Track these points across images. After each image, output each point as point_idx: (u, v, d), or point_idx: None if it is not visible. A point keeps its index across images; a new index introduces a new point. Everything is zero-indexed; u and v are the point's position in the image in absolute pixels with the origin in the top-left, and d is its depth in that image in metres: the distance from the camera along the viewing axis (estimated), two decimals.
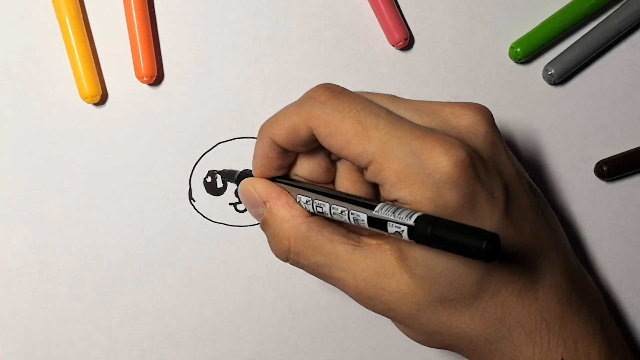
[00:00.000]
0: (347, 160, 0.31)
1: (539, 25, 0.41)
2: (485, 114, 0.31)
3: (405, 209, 0.28)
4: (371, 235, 0.32)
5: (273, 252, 0.33)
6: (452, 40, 0.41)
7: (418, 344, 0.33)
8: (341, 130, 0.29)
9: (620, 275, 0.42)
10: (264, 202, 0.33)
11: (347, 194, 0.31)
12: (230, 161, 0.40)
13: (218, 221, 0.41)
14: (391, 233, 0.28)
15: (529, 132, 0.41)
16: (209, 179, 0.41)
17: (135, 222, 0.40)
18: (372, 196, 0.33)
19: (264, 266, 0.41)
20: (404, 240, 0.27)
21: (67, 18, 0.38)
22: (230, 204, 0.41)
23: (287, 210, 0.32)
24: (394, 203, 0.29)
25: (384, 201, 0.29)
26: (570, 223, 0.42)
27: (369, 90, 0.41)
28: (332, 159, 0.34)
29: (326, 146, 0.30)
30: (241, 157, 0.40)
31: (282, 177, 0.34)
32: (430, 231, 0.26)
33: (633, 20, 0.41)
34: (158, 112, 0.40)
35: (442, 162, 0.28)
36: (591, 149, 0.42)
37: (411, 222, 0.27)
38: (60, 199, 0.40)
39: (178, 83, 0.40)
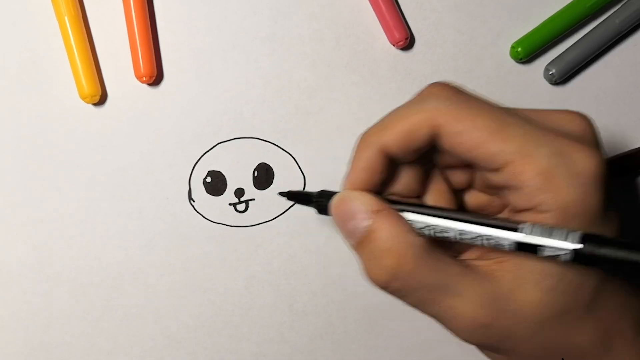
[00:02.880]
0: (474, 162, 0.28)
1: (540, 25, 0.41)
2: (591, 121, 0.30)
3: (557, 228, 0.26)
4: (472, 257, 0.30)
5: (370, 274, 0.29)
6: (453, 39, 0.41)
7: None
8: (475, 128, 0.27)
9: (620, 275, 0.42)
10: (375, 211, 0.28)
11: (471, 215, 0.28)
12: (230, 161, 0.40)
13: (218, 221, 0.41)
14: (545, 255, 0.26)
15: None
16: (208, 179, 0.40)
17: (135, 222, 0.40)
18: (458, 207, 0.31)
19: (264, 267, 0.41)
20: (529, 256, 0.26)
21: (66, 18, 0.38)
22: (229, 204, 0.41)
23: (399, 222, 0.28)
24: (522, 214, 0.27)
25: (512, 212, 0.28)
26: None
27: (369, 90, 0.41)
28: (424, 170, 0.31)
29: (451, 146, 0.28)
30: (241, 158, 0.40)
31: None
32: (601, 252, 0.25)
33: (634, 20, 0.40)
34: (157, 112, 0.40)
35: (590, 162, 0.26)
36: None
37: (575, 244, 0.25)
38: (59, 199, 0.40)
39: (178, 83, 0.40)
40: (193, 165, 0.40)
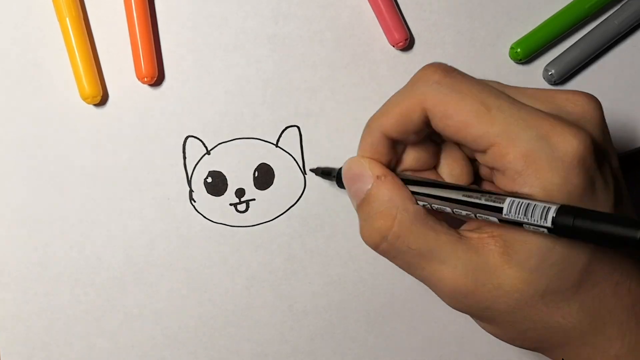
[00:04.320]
0: (462, 143, 0.29)
1: (539, 26, 0.41)
2: (597, 102, 0.30)
3: (538, 201, 0.26)
4: (470, 229, 0.31)
5: (365, 233, 0.31)
6: (453, 40, 0.41)
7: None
8: (461, 111, 0.28)
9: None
10: (377, 177, 0.31)
11: (462, 187, 0.30)
12: (231, 162, 0.40)
13: (218, 222, 0.41)
14: (526, 226, 0.27)
15: None
16: (209, 180, 0.41)
17: (136, 223, 0.40)
18: (473, 180, 0.33)
19: (264, 267, 0.41)
20: (517, 233, 0.27)
21: (67, 19, 0.38)
22: (230, 204, 0.41)
23: (398, 189, 0.30)
24: (517, 193, 0.27)
25: (504, 192, 0.28)
26: None
27: (369, 91, 0.41)
28: (437, 142, 0.33)
29: (440, 128, 0.29)
30: (241, 158, 0.40)
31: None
32: (575, 223, 0.25)
33: (633, 21, 0.41)
34: (158, 112, 0.40)
35: (572, 145, 0.27)
36: None
37: (551, 215, 0.25)
38: (60, 199, 0.40)
39: (178, 84, 0.40)
40: (194, 165, 0.40)
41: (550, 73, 0.41)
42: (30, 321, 0.40)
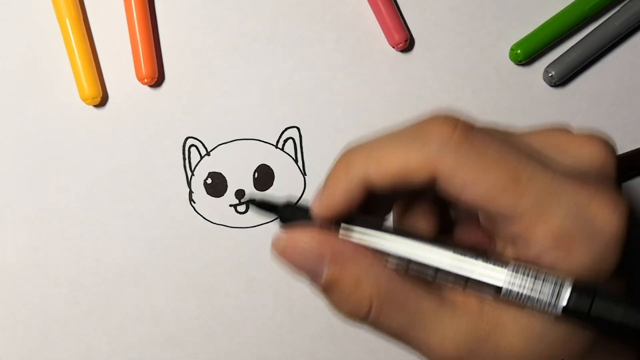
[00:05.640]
0: (478, 211, 0.25)
1: (539, 27, 0.41)
2: (610, 146, 0.26)
3: (547, 273, 0.23)
4: (455, 289, 0.26)
5: (342, 313, 0.27)
6: (453, 42, 0.41)
7: None
8: (485, 182, 0.23)
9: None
10: (330, 260, 0.26)
11: (455, 246, 0.25)
12: (230, 163, 0.40)
13: (218, 223, 0.41)
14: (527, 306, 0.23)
15: None
16: (209, 181, 0.41)
17: (135, 224, 0.40)
18: (438, 230, 0.28)
19: (264, 268, 0.41)
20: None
21: (67, 20, 0.38)
22: (230, 205, 0.41)
23: (362, 264, 0.25)
24: (530, 263, 0.24)
25: (512, 260, 0.24)
26: None
27: (369, 92, 0.41)
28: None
29: (451, 197, 0.24)
30: (241, 159, 0.40)
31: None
32: (594, 309, 0.21)
33: (633, 22, 0.41)
34: (158, 113, 0.40)
35: (613, 219, 0.23)
36: None
37: (565, 298, 0.22)
38: (59, 200, 0.40)
39: (178, 84, 0.40)
40: (194, 166, 0.40)
41: (550, 74, 0.41)
42: (29, 322, 0.40)
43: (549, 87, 0.41)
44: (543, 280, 0.23)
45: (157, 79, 0.40)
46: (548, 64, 0.41)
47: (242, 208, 0.41)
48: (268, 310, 0.41)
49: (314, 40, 0.40)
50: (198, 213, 0.41)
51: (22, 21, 0.40)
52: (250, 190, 0.41)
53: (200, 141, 0.40)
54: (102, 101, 0.40)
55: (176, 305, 0.41)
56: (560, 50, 0.41)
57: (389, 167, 0.24)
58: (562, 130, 0.26)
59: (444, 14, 0.41)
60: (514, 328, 0.25)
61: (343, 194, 0.25)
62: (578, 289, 0.22)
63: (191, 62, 0.40)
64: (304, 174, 0.41)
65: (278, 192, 0.41)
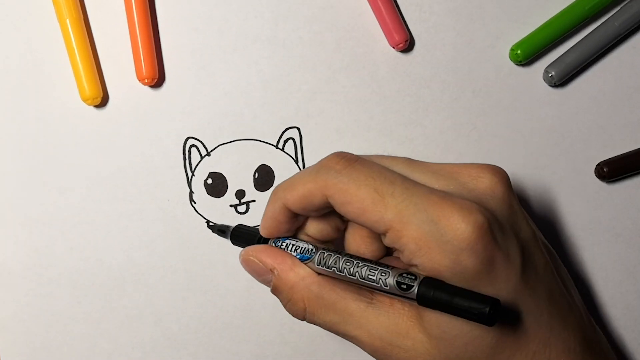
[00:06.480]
0: (363, 225, 0.31)
1: (539, 27, 0.41)
2: (502, 176, 0.31)
3: (413, 273, 0.29)
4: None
5: (289, 313, 0.34)
6: (453, 42, 0.41)
7: None
8: (357, 199, 0.30)
9: (620, 277, 0.42)
10: (271, 270, 0.33)
11: (359, 259, 0.32)
12: (231, 163, 0.40)
13: (219, 223, 0.41)
14: (405, 298, 0.29)
15: (529, 134, 0.41)
16: (209, 181, 0.41)
17: (136, 224, 0.40)
18: (383, 252, 0.34)
19: None
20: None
21: (68, 20, 0.38)
22: (230, 205, 0.41)
23: (296, 273, 0.33)
24: (411, 268, 0.30)
25: (404, 266, 0.30)
26: (571, 224, 0.42)
27: (369, 92, 0.41)
28: (343, 219, 0.34)
29: (342, 213, 0.31)
30: (242, 159, 0.40)
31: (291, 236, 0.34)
32: (434, 295, 0.28)
33: (633, 23, 0.41)
34: (159, 114, 0.40)
35: (460, 228, 0.28)
36: (592, 150, 0.42)
37: (415, 287, 0.28)
38: (61, 201, 0.40)
39: (179, 85, 0.40)
40: (194, 167, 0.40)
41: (550, 75, 0.41)
42: (30, 322, 0.40)
43: (549, 87, 0.41)
44: (408, 279, 0.29)
45: (158, 80, 0.40)
46: (548, 64, 0.41)
47: (242, 208, 0.41)
48: (268, 310, 0.41)
49: (314, 41, 0.40)
50: (198, 213, 0.41)
51: (22, 21, 0.40)
52: (251, 191, 0.41)
53: (200, 141, 0.40)
54: (103, 102, 0.40)
55: (177, 304, 0.41)
56: (560, 51, 0.41)
57: (297, 194, 0.31)
58: (476, 164, 0.32)
59: (444, 15, 0.41)
60: (421, 324, 0.30)
61: (271, 216, 0.33)
62: (425, 282, 0.28)
63: (192, 63, 0.40)
64: None
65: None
